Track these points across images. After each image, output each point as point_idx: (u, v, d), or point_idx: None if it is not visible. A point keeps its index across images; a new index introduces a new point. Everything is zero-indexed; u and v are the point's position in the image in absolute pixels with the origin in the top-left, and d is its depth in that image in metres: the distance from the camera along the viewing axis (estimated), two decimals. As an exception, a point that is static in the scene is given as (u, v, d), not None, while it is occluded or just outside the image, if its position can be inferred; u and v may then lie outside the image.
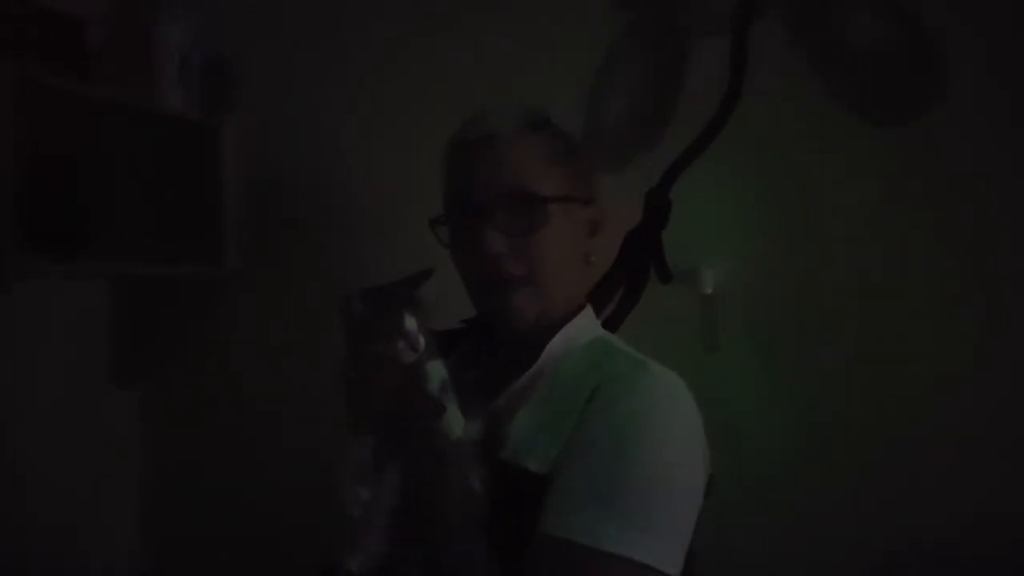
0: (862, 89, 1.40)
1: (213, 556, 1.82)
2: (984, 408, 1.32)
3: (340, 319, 0.91)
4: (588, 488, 0.87)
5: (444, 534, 0.89)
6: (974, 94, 1.32)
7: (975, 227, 1.33)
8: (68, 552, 1.71)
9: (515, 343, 1.04)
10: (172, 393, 1.86)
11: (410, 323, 0.89)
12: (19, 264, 1.44)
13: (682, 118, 1.46)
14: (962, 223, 1.34)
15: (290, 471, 1.73)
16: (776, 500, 1.39)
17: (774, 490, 1.39)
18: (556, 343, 1.02)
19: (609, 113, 1.52)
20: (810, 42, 1.42)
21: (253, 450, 1.78)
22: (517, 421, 0.96)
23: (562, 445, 0.92)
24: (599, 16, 1.52)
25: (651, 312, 1.35)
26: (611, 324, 1.29)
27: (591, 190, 1.09)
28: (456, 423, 0.91)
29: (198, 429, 1.84)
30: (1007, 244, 1.32)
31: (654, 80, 1.51)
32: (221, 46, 1.76)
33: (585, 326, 1.07)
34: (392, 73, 1.68)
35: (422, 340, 0.89)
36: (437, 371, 0.92)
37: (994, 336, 1.32)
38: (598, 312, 1.17)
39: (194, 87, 1.73)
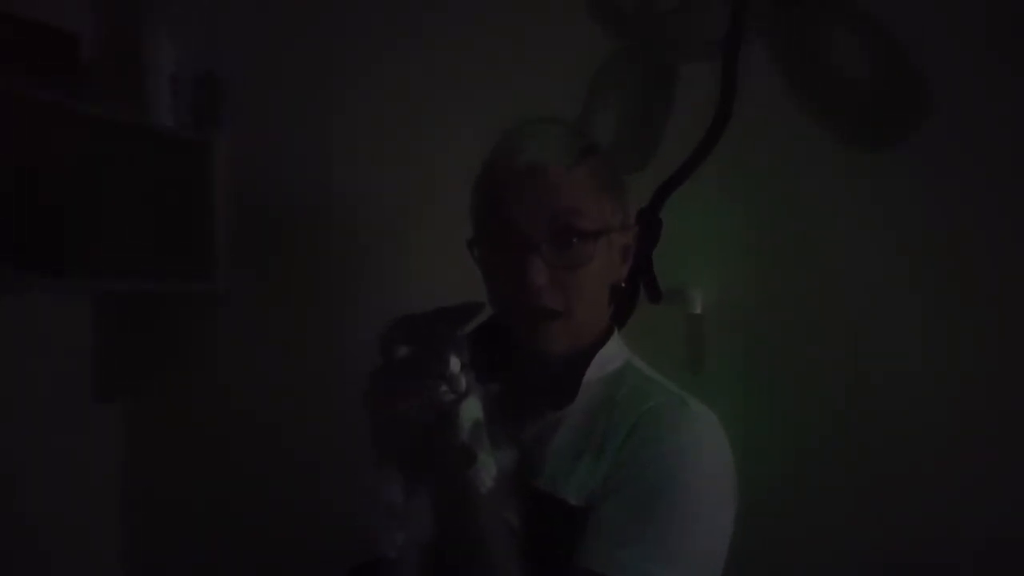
0: (849, 111, 1.41)
1: (195, 573, 1.80)
2: (980, 425, 1.32)
3: (380, 354, 0.85)
4: (629, 525, 0.88)
5: (478, 568, 0.87)
6: (961, 114, 1.33)
7: (967, 243, 1.34)
8: (49, 566, 1.69)
9: (544, 363, 1.03)
10: (158, 410, 1.85)
11: (455, 365, 0.84)
12: (4, 279, 1.43)
13: (672, 139, 1.47)
14: (953, 240, 1.34)
15: (276, 488, 1.72)
16: (763, 520, 1.38)
17: (761, 510, 1.38)
18: (591, 372, 1.02)
19: (600, 133, 1.52)
20: (798, 65, 1.43)
21: (238, 468, 1.76)
22: (553, 450, 0.97)
23: (601, 478, 0.93)
24: (592, 36, 1.53)
25: (639, 330, 1.35)
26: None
27: (628, 215, 1.08)
28: (487, 473, 0.87)
29: (183, 446, 1.82)
30: (1002, 257, 1.33)
31: (645, 101, 1.52)
32: (211, 63, 1.76)
33: (615, 351, 1.06)
34: (383, 90, 1.68)
35: (464, 382, 0.84)
36: (471, 411, 0.87)
37: (991, 352, 1.32)
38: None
39: (184, 103, 1.73)
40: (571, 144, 1.02)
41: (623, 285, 1.08)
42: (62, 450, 1.73)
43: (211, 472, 1.79)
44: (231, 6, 1.77)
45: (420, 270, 1.61)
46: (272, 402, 1.73)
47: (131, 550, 1.86)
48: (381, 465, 0.88)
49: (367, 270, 1.68)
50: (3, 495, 1.61)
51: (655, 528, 0.88)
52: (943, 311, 1.35)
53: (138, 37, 1.70)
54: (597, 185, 1.01)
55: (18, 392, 1.64)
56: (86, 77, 1.63)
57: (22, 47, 1.51)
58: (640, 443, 0.93)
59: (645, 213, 1.41)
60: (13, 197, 1.39)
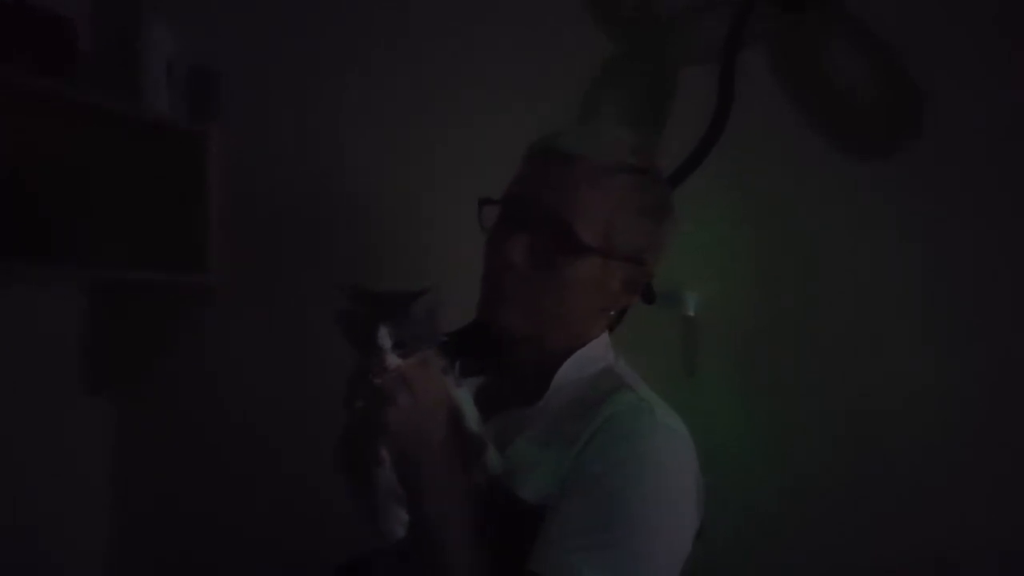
0: (847, 119, 1.41)
1: (182, 569, 1.79)
2: (977, 426, 1.33)
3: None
4: (582, 531, 0.87)
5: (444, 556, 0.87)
6: (959, 122, 1.34)
7: (964, 248, 1.34)
8: (34, 560, 1.68)
9: (518, 356, 1.02)
10: (147, 403, 1.84)
11: (383, 338, 0.83)
12: (-5, 266, 1.42)
13: (669, 141, 1.46)
14: (950, 245, 1.35)
15: (266, 483, 1.72)
16: (755, 524, 1.39)
17: (753, 513, 1.39)
18: (564, 372, 0.99)
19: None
20: (797, 72, 1.43)
21: (228, 462, 1.76)
22: (515, 447, 0.95)
23: (559, 481, 0.91)
24: (592, 38, 1.52)
25: (633, 333, 1.35)
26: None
27: (649, 254, 1.03)
28: (495, 455, 0.89)
29: (172, 439, 1.81)
30: (1000, 262, 1.33)
31: (643, 104, 1.51)
32: (208, 54, 1.75)
33: (597, 355, 1.03)
34: (379, 82, 1.67)
35: (391, 361, 0.84)
36: (468, 403, 0.89)
37: (987, 354, 1.33)
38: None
39: (180, 93, 1.72)
40: (615, 153, 0.99)
41: (612, 314, 1.05)
42: (50, 442, 1.71)
43: (200, 466, 1.79)
44: (227, -3, 1.76)
45: (415, 263, 1.60)
46: (263, 396, 1.73)
47: (118, 542, 1.85)
48: (364, 456, 0.87)
49: (361, 263, 1.66)
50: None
51: (608, 537, 0.86)
52: (939, 315, 1.35)
53: (135, 26, 1.68)
54: (622, 202, 0.97)
55: (6, 382, 1.63)
56: (82, 65, 1.61)
57: (18, 33, 1.49)
58: (600, 448, 0.91)
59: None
60: (5, 184, 1.38)
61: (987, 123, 1.33)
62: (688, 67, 1.48)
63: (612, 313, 1.05)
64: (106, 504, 1.84)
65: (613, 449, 0.91)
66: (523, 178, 1.01)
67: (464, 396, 0.91)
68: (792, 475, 1.41)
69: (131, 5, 1.73)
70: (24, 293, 1.66)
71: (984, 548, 1.31)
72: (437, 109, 1.63)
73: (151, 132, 1.68)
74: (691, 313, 1.47)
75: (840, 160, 1.40)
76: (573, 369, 1.00)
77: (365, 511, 0.88)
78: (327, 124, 1.71)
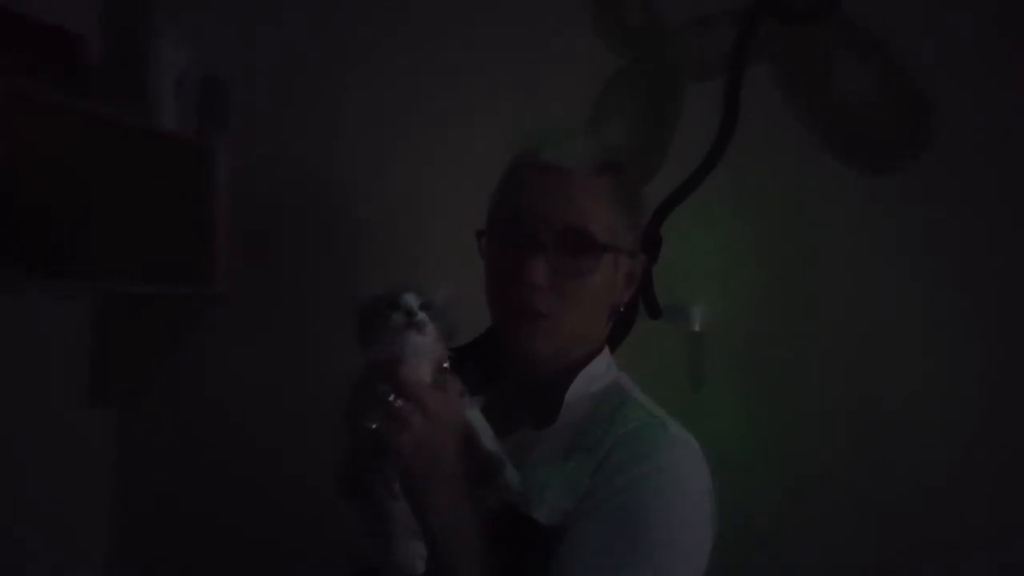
0: (852, 132, 1.41)
1: (182, 570, 1.80)
2: (986, 443, 1.33)
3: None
4: (600, 551, 0.87)
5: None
6: (965, 135, 1.35)
7: (970, 261, 1.35)
8: (35, 561, 1.68)
9: (529, 375, 1.03)
10: (154, 414, 1.84)
11: (410, 299, 0.85)
12: (3, 279, 1.42)
13: (676, 155, 1.48)
14: (956, 258, 1.36)
15: (265, 494, 1.72)
16: (755, 524, 1.39)
17: (753, 513, 1.40)
18: (574, 389, 1.00)
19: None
20: (803, 85, 1.43)
21: (233, 473, 1.76)
22: (529, 468, 0.95)
23: (575, 499, 0.91)
24: (596, 52, 1.54)
25: (639, 347, 1.36)
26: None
27: (639, 243, 1.08)
28: (514, 474, 0.90)
29: (178, 450, 1.82)
30: (1007, 277, 1.34)
31: (650, 116, 1.52)
32: (217, 67, 1.76)
33: (602, 370, 1.05)
34: (387, 96, 1.69)
35: (425, 319, 0.85)
36: (480, 421, 0.90)
37: (998, 372, 1.33)
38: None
39: (188, 106, 1.73)
40: (597, 155, 1.02)
41: (621, 310, 1.07)
42: (53, 449, 1.71)
43: (201, 472, 1.79)
44: (237, 10, 1.77)
45: (422, 275, 1.60)
46: (265, 404, 1.73)
47: (124, 554, 1.85)
48: (376, 486, 0.87)
49: (368, 275, 1.67)
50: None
51: (629, 555, 0.87)
52: (947, 329, 1.35)
53: (144, 39, 1.70)
54: (615, 200, 1.00)
55: (13, 394, 1.63)
56: (91, 78, 1.63)
57: (28, 46, 1.51)
58: (616, 466, 0.91)
59: (646, 229, 1.41)
60: (13, 196, 1.39)
61: (987, 124, 1.34)
62: (691, 79, 1.49)
63: (620, 309, 1.07)
64: (107, 504, 1.85)
65: (630, 466, 0.91)
66: (517, 200, 1.02)
67: (479, 417, 0.92)
68: (792, 475, 1.41)
69: (141, 17, 1.75)
70: (30, 303, 1.66)
71: (984, 548, 1.31)
72: (443, 120, 1.64)
73: (159, 144, 1.69)
74: (696, 328, 1.47)
75: (849, 172, 1.40)
76: (582, 386, 1.01)
77: (377, 541, 0.89)
78: (333, 137, 1.72)
